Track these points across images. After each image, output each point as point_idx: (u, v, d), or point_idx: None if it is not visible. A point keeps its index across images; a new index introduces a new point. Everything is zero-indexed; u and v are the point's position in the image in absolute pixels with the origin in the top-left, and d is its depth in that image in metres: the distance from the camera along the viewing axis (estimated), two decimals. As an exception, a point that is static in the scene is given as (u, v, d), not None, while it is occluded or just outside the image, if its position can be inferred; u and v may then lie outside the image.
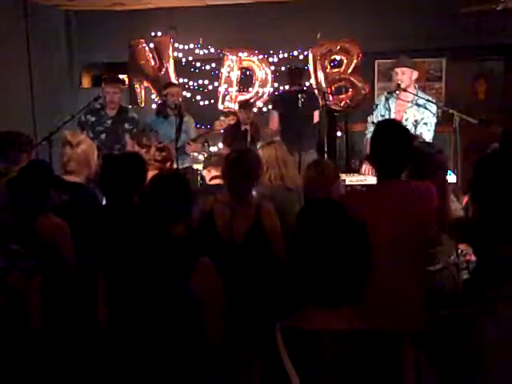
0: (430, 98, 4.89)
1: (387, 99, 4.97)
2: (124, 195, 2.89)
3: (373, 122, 5.00)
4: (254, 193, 3.18)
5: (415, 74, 4.85)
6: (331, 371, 1.26)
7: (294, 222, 1.41)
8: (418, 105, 4.80)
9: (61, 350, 2.65)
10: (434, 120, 4.80)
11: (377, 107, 5.03)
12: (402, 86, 4.78)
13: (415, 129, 4.69)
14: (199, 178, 5.39)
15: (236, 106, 6.64)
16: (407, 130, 2.63)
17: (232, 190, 2.90)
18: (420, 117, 4.76)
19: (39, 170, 3.01)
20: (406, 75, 4.81)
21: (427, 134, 4.74)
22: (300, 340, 1.30)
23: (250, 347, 1.34)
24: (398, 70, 4.84)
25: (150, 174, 3.77)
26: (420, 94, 4.86)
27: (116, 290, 2.14)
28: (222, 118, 5.96)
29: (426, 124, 4.71)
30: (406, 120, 4.78)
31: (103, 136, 5.18)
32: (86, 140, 3.78)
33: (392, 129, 2.59)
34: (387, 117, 4.88)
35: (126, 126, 5.25)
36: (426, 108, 4.79)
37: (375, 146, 2.56)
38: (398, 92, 4.84)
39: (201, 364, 2.07)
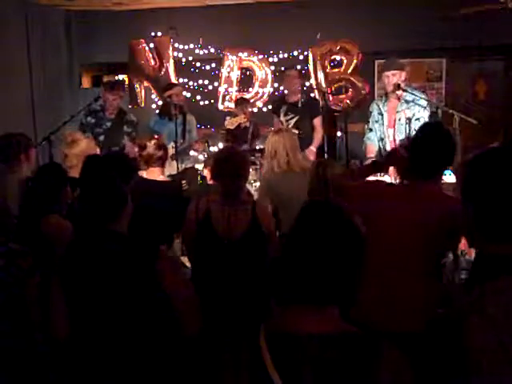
0: (420, 95, 4.94)
1: (378, 105, 5.06)
2: None
3: (370, 129, 5.10)
4: (250, 188, 3.18)
5: (404, 75, 4.92)
6: (313, 374, 1.27)
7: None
8: (407, 101, 4.86)
9: (60, 352, 2.64)
10: (427, 113, 4.85)
11: (371, 114, 5.12)
12: (391, 88, 4.84)
13: (409, 126, 4.73)
14: (199, 178, 5.40)
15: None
16: (451, 136, 2.59)
17: (222, 190, 2.88)
18: (411, 113, 4.81)
19: (56, 171, 3.11)
20: (396, 77, 4.87)
21: None
22: (284, 343, 1.31)
23: (237, 346, 1.35)
24: (389, 73, 4.91)
25: (152, 170, 3.82)
26: (410, 90, 4.92)
27: (76, 296, 2.09)
28: (228, 118, 5.94)
29: (418, 119, 4.75)
30: (399, 120, 4.86)
31: (101, 138, 5.19)
32: (84, 139, 3.80)
33: (436, 130, 2.57)
34: (381, 121, 4.99)
35: (125, 128, 5.28)
36: (415, 104, 4.84)
37: (416, 145, 2.53)
38: (398, 92, 4.88)
39: (179, 360, 2.08)
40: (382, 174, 4.26)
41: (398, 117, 4.86)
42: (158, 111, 5.90)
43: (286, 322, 1.35)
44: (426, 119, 4.82)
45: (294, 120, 5.65)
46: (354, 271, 1.34)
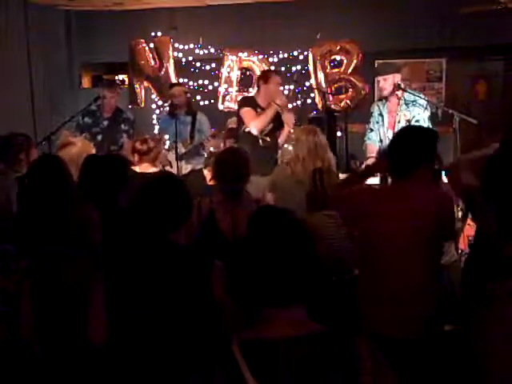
0: (418, 95, 4.97)
1: (378, 106, 5.08)
2: (106, 197, 2.88)
3: (371, 129, 5.12)
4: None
5: (398, 77, 4.95)
6: (289, 377, 1.29)
7: None
8: (407, 103, 4.88)
9: (52, 359, 2.55)
10: (427, 114, 4.87)
11: (372, 115, 5.14)
12: (385, 93, 4.91)
13: None
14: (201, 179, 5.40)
15: (236, 106, 6.64)
16: (425, 133, 2.65)
17: (224, 191, 2.88)
18: (411, 116, 4.84)
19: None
20: (388, 82, 4.90)
21: None
22: (258, 350, 1.33)
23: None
24: (380, 78, 4.97)
25: (144, 166, 3.97)
26: (408, 93, 4.95)
27: (122, 301, 1.96)
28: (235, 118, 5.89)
29: (418, 121, 4.77)
30: (398, 122, 4.89)
31: (99, 137, 5.22)
32: (76, 143, 3.82)
33: (411, 129, 2.74)
34: (381, 123, 5.02)
35: (122, 126, 5.31)
36: (414, 105, 4.86)
37: (392, 144, 2.61)
38: (398, 92, 4.90)
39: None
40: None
41: (398, 119, 4.88)
42: (168, 109, 5.87)
43: (255, 328, 1.38)
44: (426, 120, 4.83)
45: (269, 128, 4.95)
46: (307, 268, 1.39)
